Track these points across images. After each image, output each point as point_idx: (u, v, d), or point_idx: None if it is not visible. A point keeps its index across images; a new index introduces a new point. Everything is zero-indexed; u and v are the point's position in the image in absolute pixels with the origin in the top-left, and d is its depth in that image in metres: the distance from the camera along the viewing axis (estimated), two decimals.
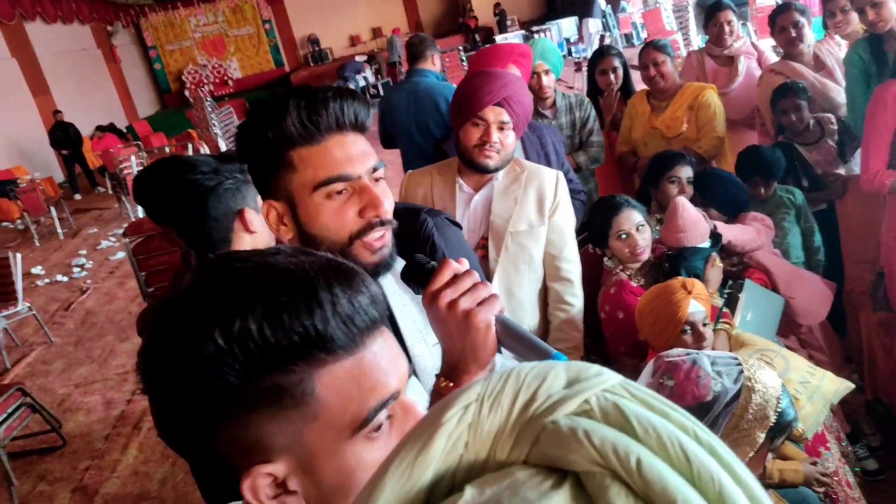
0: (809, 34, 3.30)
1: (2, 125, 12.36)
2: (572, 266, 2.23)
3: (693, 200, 2.59)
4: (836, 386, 2.18)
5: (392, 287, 1.19)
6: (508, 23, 18.04)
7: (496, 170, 2.10)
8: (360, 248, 1.04)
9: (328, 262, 0.61)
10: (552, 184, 2.16)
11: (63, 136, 12.08)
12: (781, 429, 1.49)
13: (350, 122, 1.02)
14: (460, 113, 2.07)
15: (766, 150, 2.87)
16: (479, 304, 0.88)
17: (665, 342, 2.06)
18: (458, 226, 1.85)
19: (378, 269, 1.07)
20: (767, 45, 4.03)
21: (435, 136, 3.55)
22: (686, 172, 2.74)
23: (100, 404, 4.57)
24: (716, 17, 3.55)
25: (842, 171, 3.02)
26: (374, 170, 1.04)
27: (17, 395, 3.85)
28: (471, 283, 0.89)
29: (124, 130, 14.19)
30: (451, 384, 0.91)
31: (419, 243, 1.71)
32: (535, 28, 15.71)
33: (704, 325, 2.03)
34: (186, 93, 18.26)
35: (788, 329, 2.62)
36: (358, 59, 17.24)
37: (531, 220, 2.14)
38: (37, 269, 8.10)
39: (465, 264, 0.92)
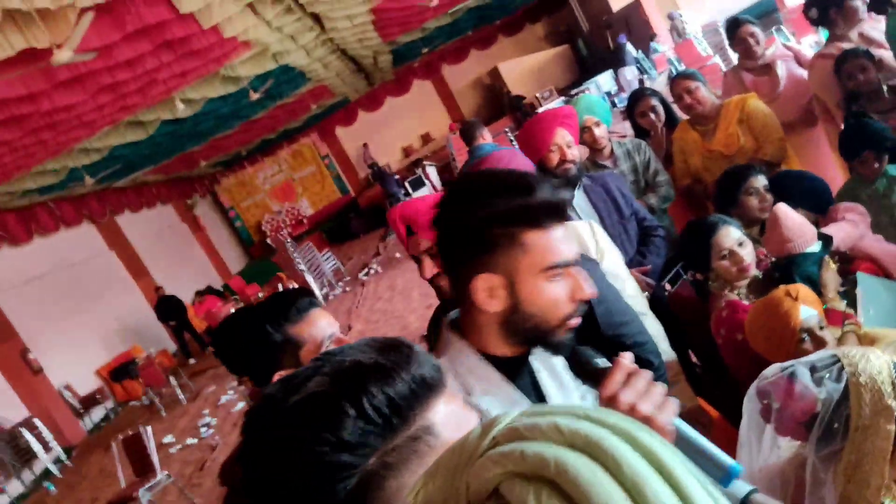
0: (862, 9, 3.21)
1: (112, 312, 13.37)
2: (638, 301, 2.23)
3: None
4: None
5: (548, 363, 1.23)
6: (547, 93, 18.42)
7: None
8: (564, 329, 1.09)
9: (375, 338, 0.69)
10: (588, 232, 2.20)
11: (167, 308, 12.96)
12: None
13: (565, 215, 1.12)
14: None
15: (870, 121, 2.76)
16: (659, 406, 0.89)
17: (786, 355, 1.95)
18: None
19: (568, 347, 1.11)
20: (806, 43, 3.98)
21: None
22: (761, 181, 2.66)
23: None
24: (737, 34, 3.58)
25: None
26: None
27: None
28: (646, 385, 0.91)
29: (221, 289, 15.05)
30: None
31: None
32: (573, 92, 15.97)
33: (822, 328, 1.93)
34: (268, 240, 19.33)
35: None
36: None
37: None
38: (168, 438, 8.49)
39: (629, 359, 0.95)
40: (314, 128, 21.19)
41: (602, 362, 0.97)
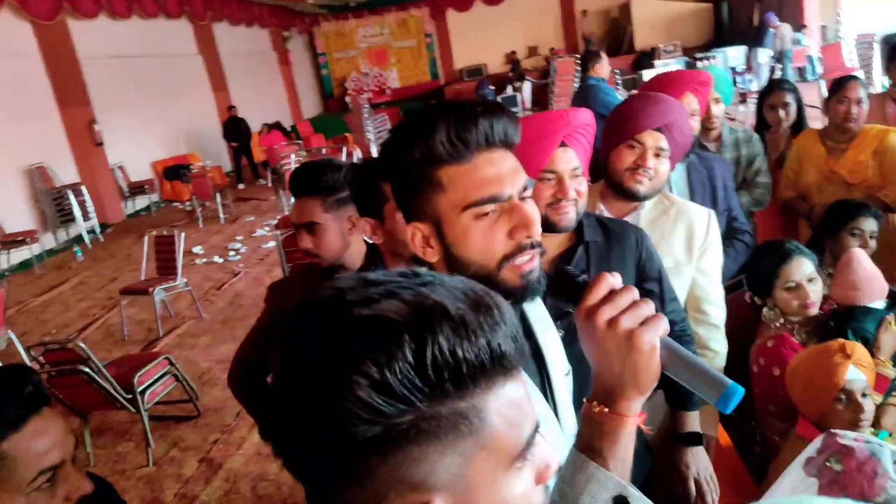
0: None
1: (183, 115, 13.60)
2: (719, 311, 2.05)
3: None
4: None
5: (538, 310, 1.13)
6: (671, 48, 17.43)
7: (645, 197, 1.92)
8: (509, 272, 0.96)
9: (477, 287, 0.58)
10: (703, 223, 1.97)
11: (235, 129, 13.14)
12: None
13: (500, 138, 0.96)
14: (616, 134, 1.92)
15: None
16: (642, 323, 0.79)
17: (816, 410, 1.87)
18: None
19: (525, 295, 0.98)
20: None
21: None
22: (870, 225, 2.47)
23: None
24: None
25: None
26: (524, 189, 0.97)
27: (165, 363, 4.16)
28: (630, 300, 0.81)
29: (289, 129, 15.13)
30: (607, 409, 0.82)
31: (636, 252, 1.69)
32: (698, 55, 15.05)
33: (864, 395, 1.81)
34: (347, 99, 19.19)
35: None
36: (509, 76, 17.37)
37: (678, 258, 1.96)
38: (197, 249, 8.79)
39: (618, 279, 0.84)
40: (427, 2, 20.57)
41: (586, 279, 0.86)
